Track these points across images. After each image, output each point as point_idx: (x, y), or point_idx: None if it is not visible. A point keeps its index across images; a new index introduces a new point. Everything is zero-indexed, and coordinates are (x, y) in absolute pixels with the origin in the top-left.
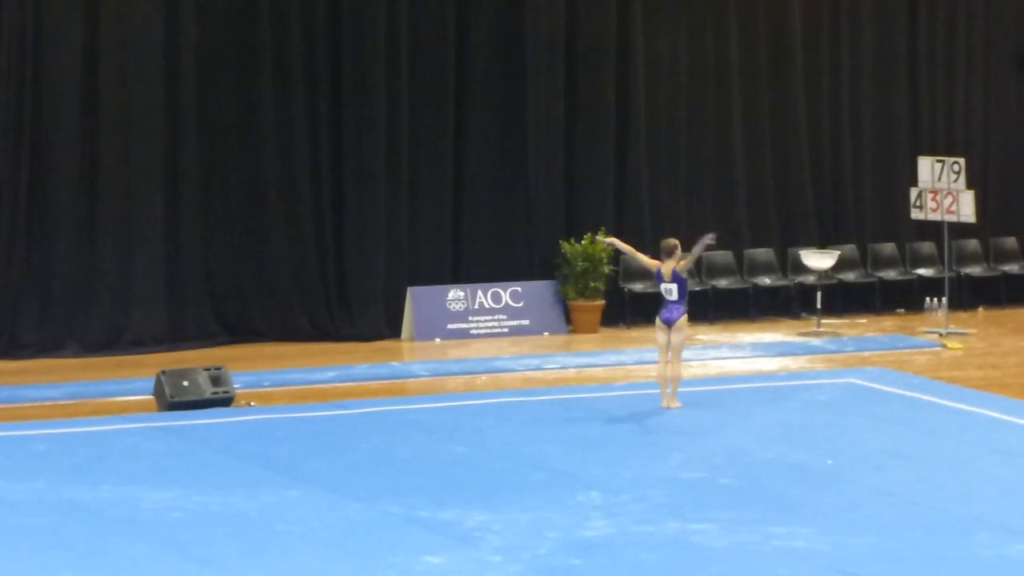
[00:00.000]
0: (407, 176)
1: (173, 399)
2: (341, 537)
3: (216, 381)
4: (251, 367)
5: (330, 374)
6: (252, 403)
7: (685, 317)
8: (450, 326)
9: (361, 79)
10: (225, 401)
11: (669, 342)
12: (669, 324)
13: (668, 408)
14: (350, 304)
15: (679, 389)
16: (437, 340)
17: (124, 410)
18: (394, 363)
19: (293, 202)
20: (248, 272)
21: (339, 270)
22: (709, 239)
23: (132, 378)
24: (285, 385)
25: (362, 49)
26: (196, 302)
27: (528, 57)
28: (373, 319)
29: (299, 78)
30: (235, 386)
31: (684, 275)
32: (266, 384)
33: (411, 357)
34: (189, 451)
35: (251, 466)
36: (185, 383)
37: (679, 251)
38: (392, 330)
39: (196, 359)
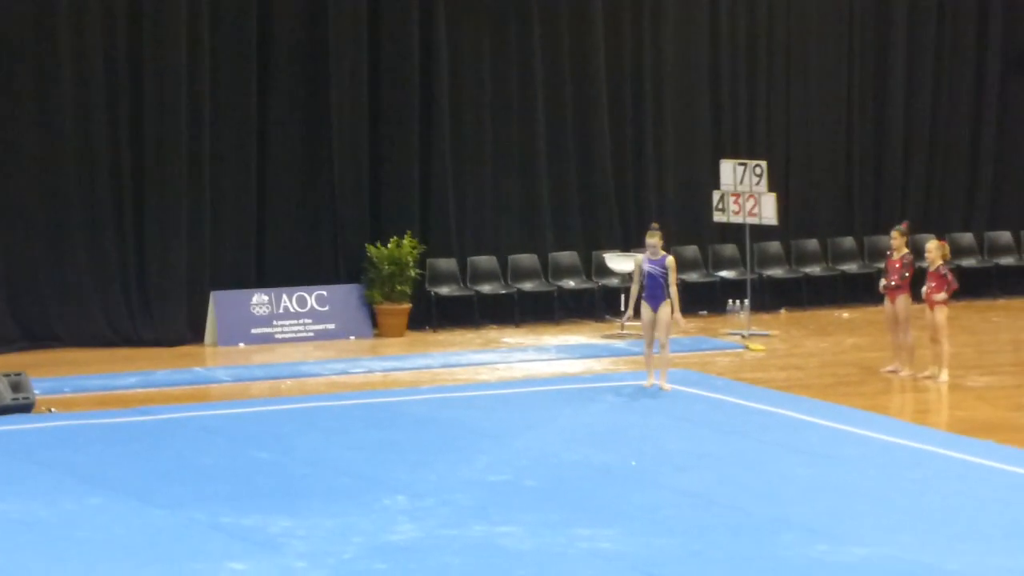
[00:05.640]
0: (209, 178)
1: None
2: (144, 544)
3: (16, 387)
4: (51, 373)
5: (132, 379)
6: (53, 409)
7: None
8: (254, 331)
9: (161, 79)
10: (25, 407)
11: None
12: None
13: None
14: (152, 309)
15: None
16: (241, 345)
17: None
18: (197, 368)
19: (93, 205)
20: (47, 277)
21: (140, 275)
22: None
23: None
24: (86, 391)
25: (163, 48)
26: None
27: (331, 59)
28: (175, 324)
29: (99, 76)
30: (35, 392)
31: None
32: (67, 390)
33: (214, 362)
34: None
35: (52, 473)
36: None
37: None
38: (195, 335)
39: None
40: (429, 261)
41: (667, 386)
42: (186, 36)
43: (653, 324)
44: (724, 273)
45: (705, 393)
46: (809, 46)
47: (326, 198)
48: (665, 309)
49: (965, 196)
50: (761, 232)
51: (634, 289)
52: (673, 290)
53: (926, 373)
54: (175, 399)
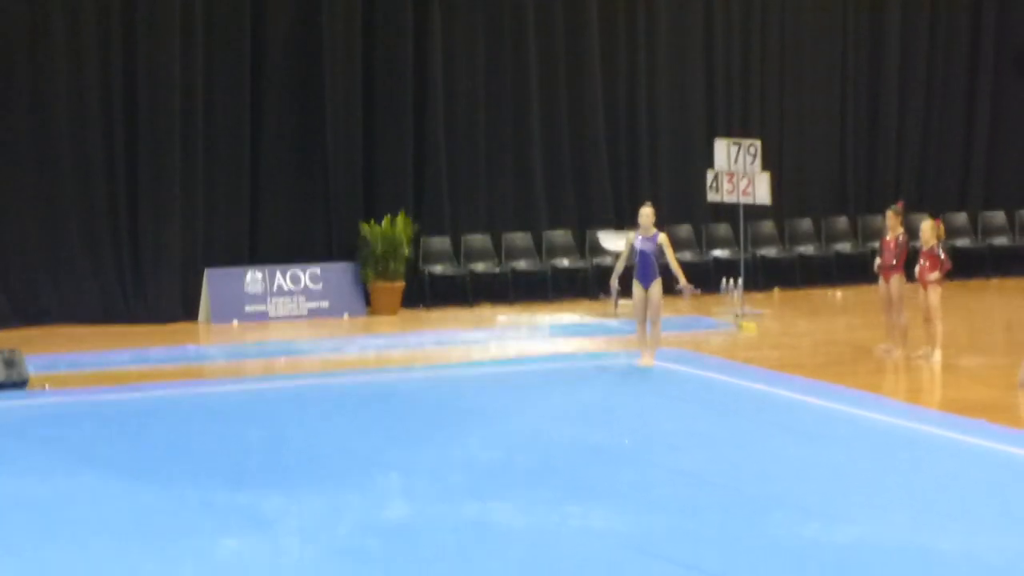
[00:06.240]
0: (203, 156)
1: None
2: (136, 522)
3: (10, 364)
4: (45, 350)
5: (125, 357)
6: (47, 386)
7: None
8: (248, 308)
9: (155, 57)
10: (19, 384)
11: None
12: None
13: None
14: (145, 286)
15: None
16: (234, 323)
17: None
18: (190, 346)
19: (87, 182)
20: (41, 254)
21: (134, 252)
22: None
23: None
24: (80, 368)
25: (157, 27)
26: None
27: (325, 36)
28: (169, 301)
29: (92, 55)
30: (29, 369)
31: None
32: (61, 367)
33: (208, 340)
34: None
35: (45, 450)
36: None
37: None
38: (188, 312)
39: None
40: (423, 239)
41: (653, 362)
42: (180, 14)
43: (645, 303)
44: (717, 253)
45: (698, 372)
46: (803, 26)
47: (320, 176)
48: (656, 288)
49: (959, 176)
50: (755, 212)
51: (619, 264)
52: (674, 263)
53: (919, 353)
54: (168, 377)
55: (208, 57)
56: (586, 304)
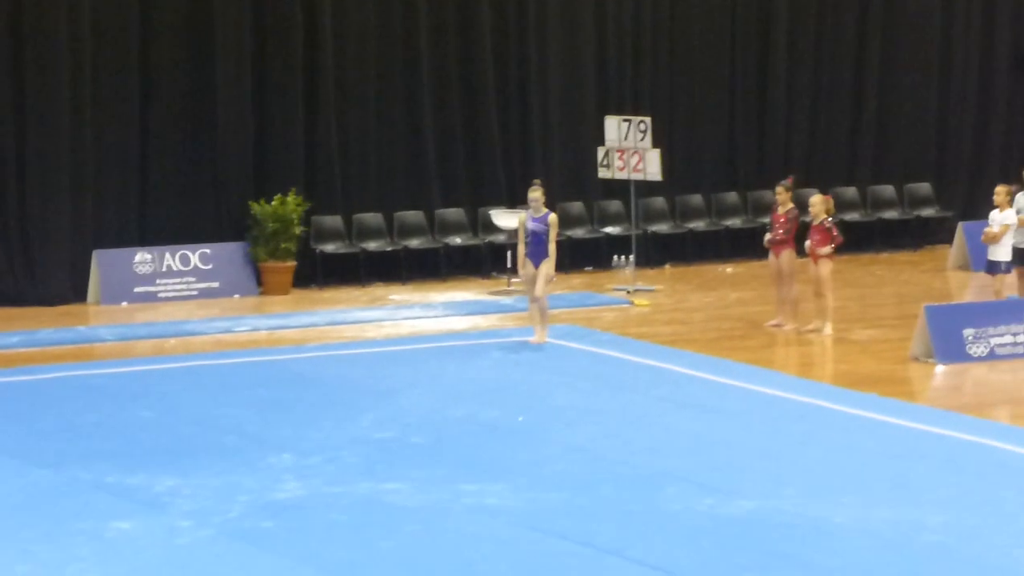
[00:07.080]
0: (91, 136)
1: None
2: (27, 503)
3: None
4: None
5: (14, 339)
6: None
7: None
8: (137, 289)
9: (43, 36)
10: None
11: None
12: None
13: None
14: (33, 268)
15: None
16: (124, 304)
17: None
18: (80, 327)
19: None
20: None
21: (21, 233)
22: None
23: None
24: None
25: (43, 5)
26: None
27: (215, 12)
28: (58, 283)
29: None
30: None
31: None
32: None
33: (97, 321)
34: None
35: None
36: None
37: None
38: (77, 294)
39: None
40: (314, 218)
41: (546, 338)
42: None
43: (535, 280)
44: (609, 229)
45: (591, 348)
46: (693, 2)
47: (209, 155)
48: (544, 266)
49: (848, 150)
50: (646, 188)
51: (520, 248)
52: (552, 247)
53: (810, 327)
54: (58, 358)
55: (96, 36)
56: (479, 282)
